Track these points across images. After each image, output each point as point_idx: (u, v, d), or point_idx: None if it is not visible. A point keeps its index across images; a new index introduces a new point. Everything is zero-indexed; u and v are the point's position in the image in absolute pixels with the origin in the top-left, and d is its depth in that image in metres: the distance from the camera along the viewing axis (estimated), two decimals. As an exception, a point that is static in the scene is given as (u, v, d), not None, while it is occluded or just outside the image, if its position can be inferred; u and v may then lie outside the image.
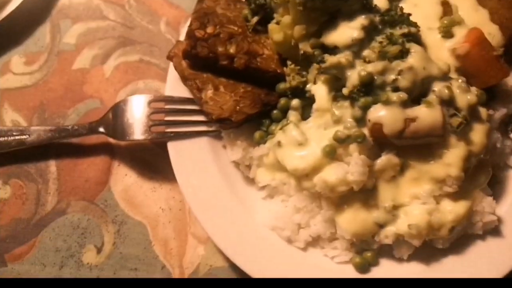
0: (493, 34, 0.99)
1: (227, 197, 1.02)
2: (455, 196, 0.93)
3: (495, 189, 1.01)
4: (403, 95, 0.89)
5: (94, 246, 1.10)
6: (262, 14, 1.04)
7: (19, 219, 1.12)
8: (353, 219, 0.95)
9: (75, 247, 1.10)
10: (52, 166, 1.16)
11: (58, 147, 1.16)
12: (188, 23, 1.09)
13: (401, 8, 0.96)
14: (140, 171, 1.15)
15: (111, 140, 1.15)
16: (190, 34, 0.99)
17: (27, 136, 1.11)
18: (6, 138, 1.11)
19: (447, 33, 0.98)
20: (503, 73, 0.95)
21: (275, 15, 1.01)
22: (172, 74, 1.08)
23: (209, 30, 1.00)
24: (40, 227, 1.12)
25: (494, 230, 0.98)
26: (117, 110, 1.07)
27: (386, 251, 0.99)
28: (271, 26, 1.00)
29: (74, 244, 1.10)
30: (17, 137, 1.11)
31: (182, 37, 1.11)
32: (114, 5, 1.29)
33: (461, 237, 0.98)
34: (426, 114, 0.88)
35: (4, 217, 1.13)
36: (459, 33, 0.98)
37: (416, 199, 0.93)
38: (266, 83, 1.03)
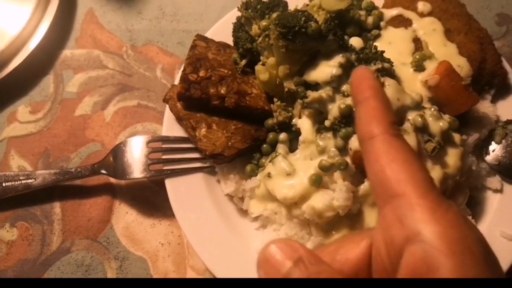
0: (462, 65, 1.07)
1: (222, 229, 1.07)
2: (435, 217, 0.99)
3: (475, 210, 1.06)
4: (380, 124, 0.96)
5: (98, 282, 1.15)
6: (249, 57, 1.13)
7: (25, 260, 1.17)
8: (341, 244, 1.00)
9: (80, 284, 1.15)
10: (56, 207, 1.22)
11: (62, 189, 1.22)
12: (181, 68, 1.18)
13: (375, 47, 1.04)
14: (140, 208, 1.21)
15: (112, 180, 1.21)
16: (184, 78, 1.08)
17: (33, 180, 1.17)
18: (13, 183, 1.18)
19: (419, 67, 1.06)
20: (472, 100, 1.03)
21: (261, 58, 1.09)
22: (168, 115, 1.15)
23: (201, 73, 1.09)
24: (46, 266, 1.16)
25: (475, 248, 1.03)
26: (117, 151, 1.14)
27: (376, 273, 1.04)
28: (258, 67, 1.08)
29: (79, 281, 1.15)
30: (23, 181, 1.17)
31: (176, 81, 1.19)
32: (113, 55, 1.38)
33: (445, 256, 1.03)
34: (402, 141, 0.95)
35: (11, 258, 1.18)
36: (430, 66, 1.06)
37: (400, 221, 0.99)
38: (255, 119, 1.11)
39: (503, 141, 1.09)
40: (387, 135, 0.65)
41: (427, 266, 0.49)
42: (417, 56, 1.07)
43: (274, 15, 1.03)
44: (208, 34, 1.22)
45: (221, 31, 1.23)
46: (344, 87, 1.00)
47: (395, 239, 0.54)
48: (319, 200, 0.98)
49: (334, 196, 0.97)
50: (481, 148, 1.10)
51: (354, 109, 0.97)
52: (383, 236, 0.57)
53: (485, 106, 1.10)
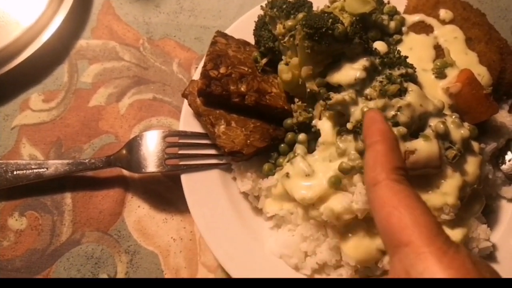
0: (482, 74, 1.08)
1: (237, 226, 1.07)
2: (452, 224, 0.99)
3: (489, 218, 1.07)
4: (402, 129, 0.96)
5: (107, 275, 1.14)
6: (270, 56, 1.13)
7: (34, 250, 1.16)
8: (357, 247, 1.00)
9: (89, 276, 1.14)
10: (67, 198, 1.21)
11: (73, 180, 1.21)
12: (199, 64, 1.18)
13: (399, 51, 1.04)
14: (153, 203, 1.20)
15: (125, 173, 1.21)
16: (204, 74, 1.07)
17: (45, 169, 1.16)
18: (24, 172, 1.16)
19: (440, 74, 1.07)
20: (492, 110, 1.04)
21: (283, 57, 1.09)
22: (186, 110, 1.15)
23: (222, 70, 1.08)
24: (55, 257, 1.16)
25: (489, 256, 1.04)
26: (134, 144, 1.14)
27: (389, 277, 1.04)
28: (281, 66, 1.08)
29: (88, 273, 1.14)
30: (35, 170, 1.16)
31: (193, 76, 1.19)
32: (129, 47, 1.37)
33: (459, 263, 1.04)
34: (424, 147, 0.96)
35: (19, 247, 1.16)
36: (451, 73, 1.07)
37: (417, 227, 0.99)
38: (274, 118, 1.11)
39: (521, 151, 1.11)
40: (389, 181, 0.66)
41: None
42: (438, 63, 1.08)
43: (300, 15, 1.03)
44: (228, 31, 1.21)
45: (241, 28, 1.22)
46: (367, 91, 1.00)
47: None
48: (338, 202, 0.98)
49: (354, 199, 0.97)
50: (497, 157, 1.11)
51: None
52: None
53: (502, 116, 1.11)
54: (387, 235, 0.63)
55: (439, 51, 1.12)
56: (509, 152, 1.11)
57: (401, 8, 1.20)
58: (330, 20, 0.98)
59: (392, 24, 1.14)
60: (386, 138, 0.74)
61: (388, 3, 1.18)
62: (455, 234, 0.99)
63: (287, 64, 1.07)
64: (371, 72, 1.02)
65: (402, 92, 0.99)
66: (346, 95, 1.00)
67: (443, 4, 1.17)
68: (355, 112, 1.00)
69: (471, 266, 0.55)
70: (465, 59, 1.11)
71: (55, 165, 1.16)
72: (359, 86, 1.01)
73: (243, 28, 1.22)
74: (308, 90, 1.05)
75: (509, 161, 1.10)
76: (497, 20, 1.38)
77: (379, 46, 1.05)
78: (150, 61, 1.35)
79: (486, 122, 1.07)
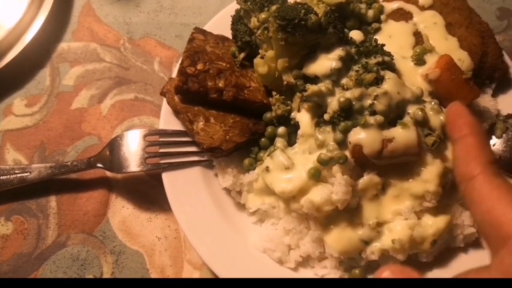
0: (463, 59, 1.06)
1: (220, 223, 1.06)
2: (435, 211, 0.98)
3: (474, 204, 1.06)
4: (379, 118, 0.95)
5: (93, 276, 1.13)
6: (248, 50, 1.12)
7: (20, 254, 1.16)
8: (339, 238, 0.99)
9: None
10: (52, 201, 1.20)
11: (57, 183, 1.21)
12: (179, 61, 1.17)
13: (375, 40, 1.03)
14: (137, 202, 1.20)
15: (108, 174, 1.20)
16: (181, 71, 1.07)
17: (28, 173, 1.16)
18: (8, 177, 1.16)
19: (419, 61, 1.06)
20: (473, 94, 1.02)
21: (260, 51, 1.08)
22: (165, 109, 1.14)
23: (199, 66, 1.08)
24: (41, 260, 1.15)
25: (474, 243, 1.02)
26: (114, 144, 1.13)
27: (374, 268, 1.02)
28: (257, 60, 1.07)
29: (74, 275, 1.13)
30: (18, 175, 1.16)
31: (174, 74, 1.18)
32: (110, 48, 1.37)
33: (444, 250, 1.02)
34: (402, 135, 0.95)
35: (6, 252, 1.16)
36: (431, 60, 1.05)
37: (399, 216, 0.98)
38: (253, 113, 1.10)
39: (504, 135, 1.08)
40: (485, 175, 0.67)
41: None
42: (418, 50, 1.07)
43: (274, 7, 1.02)
44: (207, 27, 1.21)
45: (220, 24, 1.22)
46: (344, 81, 0.99)
47: None
48: (318, 194, 0.97)
49: (333, 190, 0.96)
50: (481, 143, 1.09)
51: (353, 103, 0.97)
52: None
53: (485, 100, 1.10)
54: (492, 228, 0.64)
55: (419, 37, 1.11)
56: (493, 137, 1.09)
57: (379, -4, 1.19)
58: (303, 11, 0.97)
59: (370, 13, 1.13)
60: (476, 131, 0.74)
61: (366, -9, 1.17)
62: (438, 221, 0.98)
63: (262, 57, 1.06)
64: (347, 62, 1.01)
65: (379, 81, 0.98)
66: (322, 86, 0.99)
67: (422, -10, 1.16)
68: (332, 103, 0.99)
69: None
70: (445, 44, 1.09)
71: (38, 169, 1.16)
72: (335, 76, 1.00)
73: (221, 24, 1.21)
74: (285, 82, 1.04)
75: (494, 145, 1.08)
76: (481, 4, 1.37)
77: (355, 35, 1.04)
78: (131, 61, 1.35)
79: (468, 107, 1.05)
